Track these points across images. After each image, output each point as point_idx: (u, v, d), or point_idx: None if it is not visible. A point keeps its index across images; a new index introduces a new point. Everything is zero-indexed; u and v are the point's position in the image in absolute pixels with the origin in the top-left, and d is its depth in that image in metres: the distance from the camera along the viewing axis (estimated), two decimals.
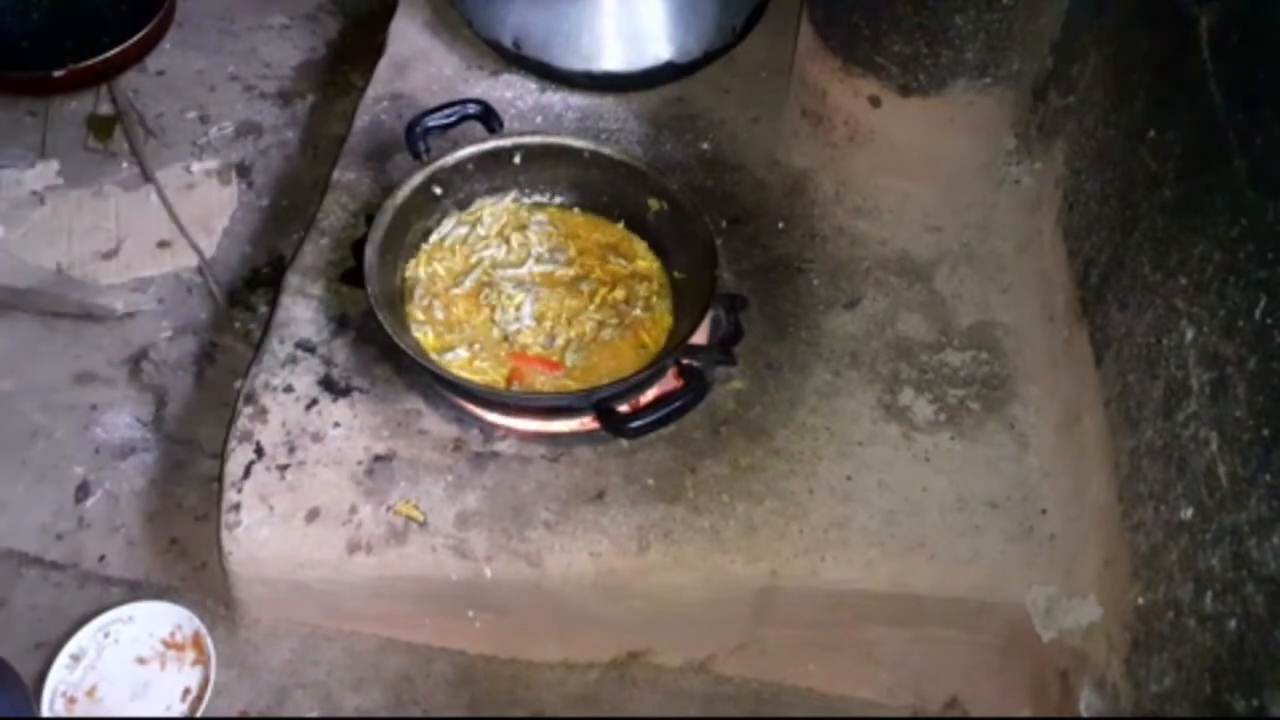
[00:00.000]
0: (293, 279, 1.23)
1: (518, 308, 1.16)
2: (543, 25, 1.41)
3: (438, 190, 1.21)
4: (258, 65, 1.68)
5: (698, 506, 1.06)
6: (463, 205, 1.24)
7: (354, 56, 1.68)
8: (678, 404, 1.03)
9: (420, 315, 1.16)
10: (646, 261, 1.23)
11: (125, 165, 1.53)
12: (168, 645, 1.08)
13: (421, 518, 1.04)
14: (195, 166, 1.53)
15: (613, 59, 1.42)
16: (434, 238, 1.22)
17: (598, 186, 1.25)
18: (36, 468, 1.23)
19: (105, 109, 1.59)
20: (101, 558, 1.16)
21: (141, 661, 1.07)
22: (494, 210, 1.25)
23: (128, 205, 1.48)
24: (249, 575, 1.05)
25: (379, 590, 1.06)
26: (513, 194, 1.26)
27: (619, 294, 1.18)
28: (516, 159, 1.24)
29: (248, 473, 1.07)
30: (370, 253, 1.11)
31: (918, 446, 1.11)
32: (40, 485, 1.21)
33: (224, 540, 1.04)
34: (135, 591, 1.14)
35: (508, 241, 1.22)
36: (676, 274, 1.21)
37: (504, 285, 1.18)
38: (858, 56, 1.22)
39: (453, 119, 1.24)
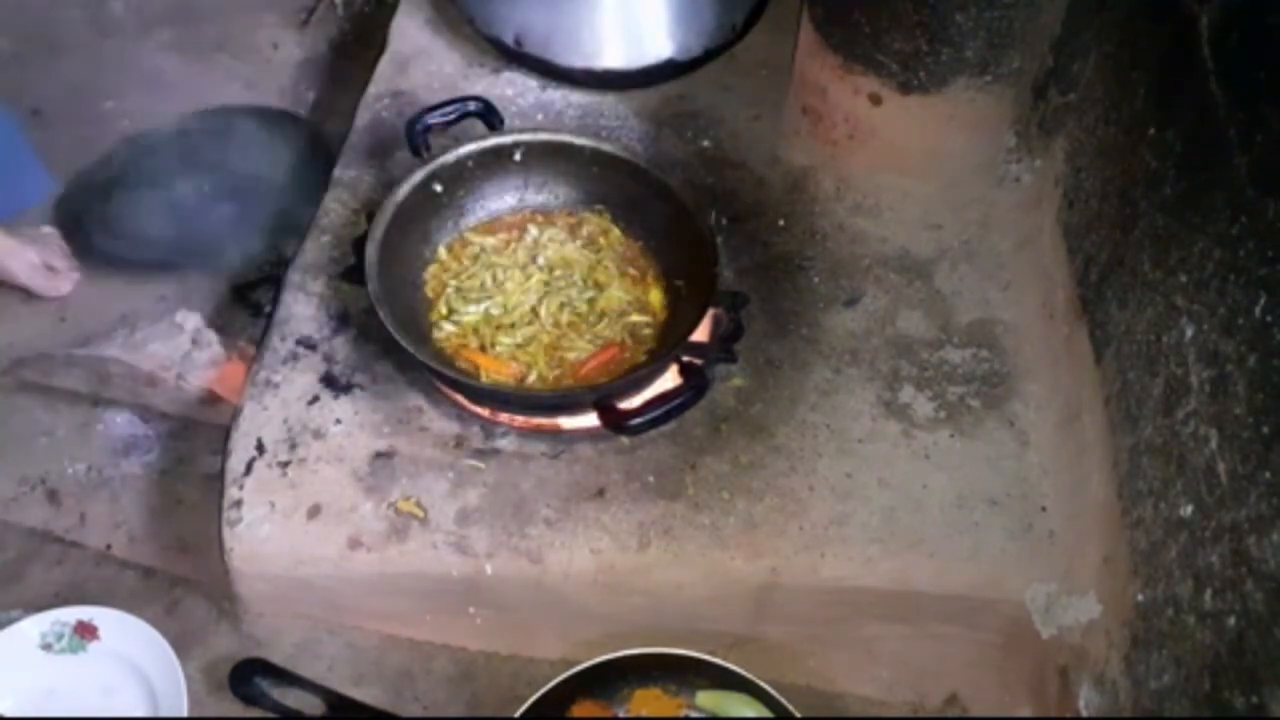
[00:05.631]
0: (294, 276, 1.23)
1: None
2: (544, 23, 1.41)
3: (438, 188, 1.21)
4: (259, 62, 1.68)
5: (698, 503, 1.06)
6: (464, 206, 1.24)
7: (355, 53, 1.68)
8: (678, 401, 1.03)
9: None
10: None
11: None
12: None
13: (422, 514, 1.05)
14: None
15: (614, 56, 1.42)
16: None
17: (598, 184, 1.25)
18: (39, 464, 1.23)
19: None
20: (108, 546, 1.17)
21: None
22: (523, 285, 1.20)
23: None
24: (250, 571, 1.06)
25: (380, 587, 1.06)
26: (518, 196, 1.26)
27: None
28: (517, 156, 1.24)
29: (249, 469, 1.07)
30: (371, 250, 1.11)
31: (917, 444, 1.11)
32: (41, 483, 1.22)
33: (226, 537, 1.04)
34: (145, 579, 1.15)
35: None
36: (678, 280, 1.20)
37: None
38: (858, 54, 1.22)
39: (453, 116, 1.24)
